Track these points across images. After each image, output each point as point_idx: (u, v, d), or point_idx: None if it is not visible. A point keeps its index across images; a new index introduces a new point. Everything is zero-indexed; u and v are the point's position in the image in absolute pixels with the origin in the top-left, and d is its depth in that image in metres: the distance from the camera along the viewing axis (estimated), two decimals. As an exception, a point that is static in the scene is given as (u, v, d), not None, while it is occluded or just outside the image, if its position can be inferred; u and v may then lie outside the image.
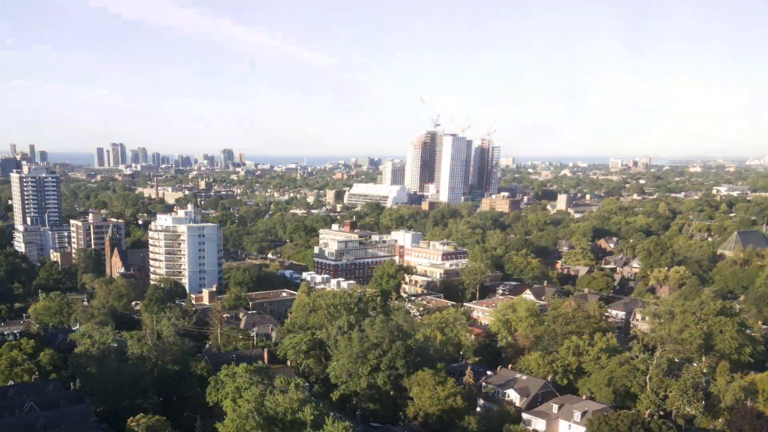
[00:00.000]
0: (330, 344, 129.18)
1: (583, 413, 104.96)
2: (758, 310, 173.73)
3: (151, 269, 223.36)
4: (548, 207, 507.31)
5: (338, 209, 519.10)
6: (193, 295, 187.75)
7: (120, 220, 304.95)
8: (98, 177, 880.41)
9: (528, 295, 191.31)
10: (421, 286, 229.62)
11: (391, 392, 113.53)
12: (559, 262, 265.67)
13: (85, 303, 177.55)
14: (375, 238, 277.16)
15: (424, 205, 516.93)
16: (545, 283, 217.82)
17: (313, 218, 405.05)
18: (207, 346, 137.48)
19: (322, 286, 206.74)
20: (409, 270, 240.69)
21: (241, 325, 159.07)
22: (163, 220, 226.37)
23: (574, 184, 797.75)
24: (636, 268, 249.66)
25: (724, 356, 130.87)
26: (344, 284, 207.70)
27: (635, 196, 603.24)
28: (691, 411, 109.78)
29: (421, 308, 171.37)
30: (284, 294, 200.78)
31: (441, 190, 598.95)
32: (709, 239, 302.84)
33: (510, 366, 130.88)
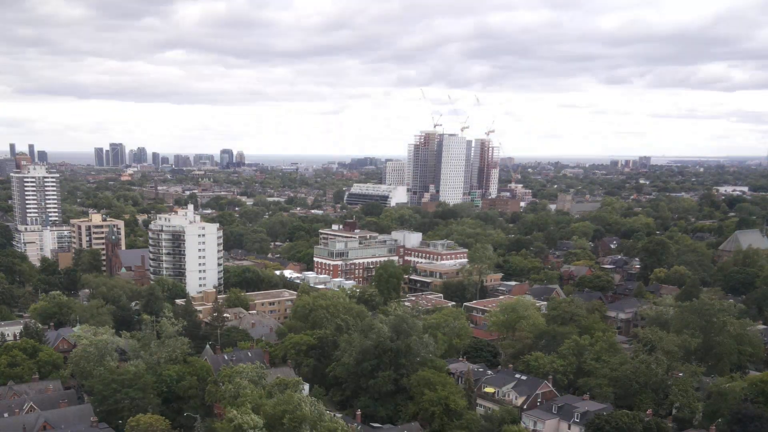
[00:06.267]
0: (330, 344, 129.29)
1: (583, 413, 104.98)
2: (758, 310, 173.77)
3: (151, 269, 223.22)
4: (548, 207, 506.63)
5: (338, 209, 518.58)
6: (192, 295, 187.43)
7: (119, 220, 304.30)
8: (98, 177, 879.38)
9: (528, 295, 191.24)
10: (421, 286, 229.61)
11: (391, 392, 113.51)
12: (559, 262, 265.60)
13: (85, 303, 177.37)
14: (375, 238, 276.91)
15: (424, 205, 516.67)
16: (545, 283, 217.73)
17: (313, 218, 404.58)
18: (207, 346, 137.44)
19: (322, 286, 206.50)
20: (409, 270, 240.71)
21: (241, 325, 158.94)
22: (162, 220, 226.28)
23: (574, 183, 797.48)
24: (636, 268, 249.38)
25: (724, 356, 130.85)
26: (344, 284, 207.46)
27: (635, 196, 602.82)
28: (690, 411, 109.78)
29: (421, 308, 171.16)
30: (284, 294, 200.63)
31: (441, 190, 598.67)
32: (710, 239, 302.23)
33: (510, 366, 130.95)
